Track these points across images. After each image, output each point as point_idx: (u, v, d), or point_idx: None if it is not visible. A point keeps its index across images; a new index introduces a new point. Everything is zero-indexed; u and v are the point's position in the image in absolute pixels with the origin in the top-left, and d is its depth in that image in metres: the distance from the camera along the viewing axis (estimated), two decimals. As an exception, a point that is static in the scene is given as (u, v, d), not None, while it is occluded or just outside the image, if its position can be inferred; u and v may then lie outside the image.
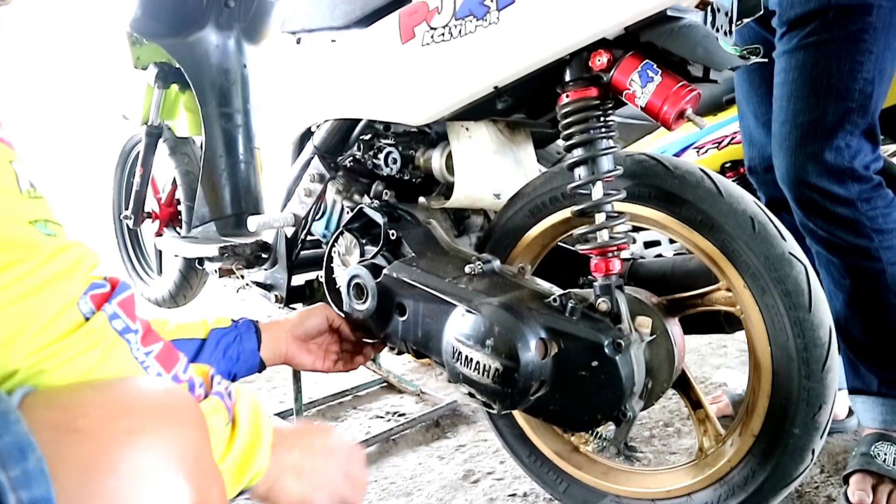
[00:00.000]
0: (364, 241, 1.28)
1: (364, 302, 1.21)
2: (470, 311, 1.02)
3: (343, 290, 1.26)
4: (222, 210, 2.08)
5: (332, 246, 1.35)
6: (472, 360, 0.99)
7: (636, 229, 2.10)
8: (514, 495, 1.39)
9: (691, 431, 1.61)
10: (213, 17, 2.02)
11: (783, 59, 1.30)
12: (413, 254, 1.21)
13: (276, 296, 1.58)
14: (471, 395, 1.02)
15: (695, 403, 1.16)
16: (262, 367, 1.17)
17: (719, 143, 2.11)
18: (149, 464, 0.50)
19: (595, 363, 0.92)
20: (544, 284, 1.07)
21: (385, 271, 1.17)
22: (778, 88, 1.32)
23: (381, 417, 1.83)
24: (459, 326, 1.02)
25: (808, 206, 1.28)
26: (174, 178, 2.35)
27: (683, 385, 1.16)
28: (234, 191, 2.10)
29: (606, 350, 0.91)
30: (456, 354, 1.02)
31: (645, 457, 1.55)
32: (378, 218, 1.26)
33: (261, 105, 2.18)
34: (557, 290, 1.03)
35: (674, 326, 1.07)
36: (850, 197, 1.24)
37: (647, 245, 2.13)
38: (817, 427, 0.96)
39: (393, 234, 1.23)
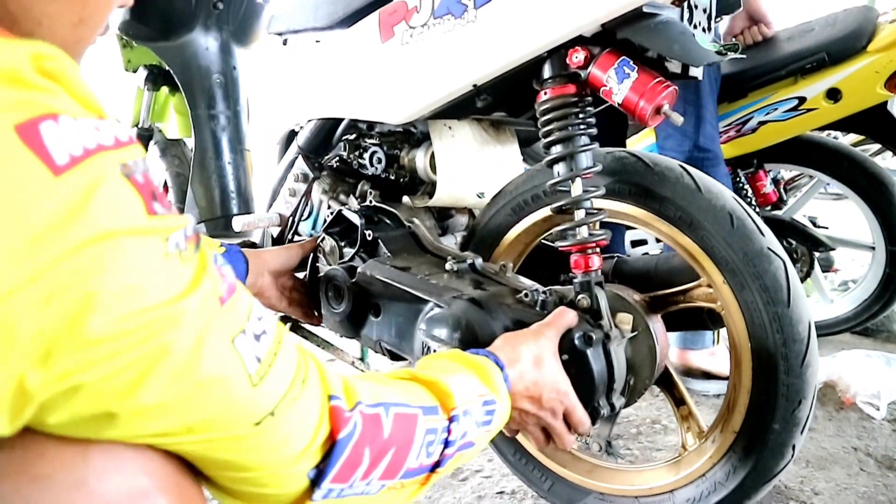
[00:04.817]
0: (343, 244, 1.28)
1: (341, 303, 1.21)
2: (439, 306, 1.01)
3: (321, 293, 1.26)
4: (213, 211, 2.08)
5: (318, 247, 1.35)
6: None
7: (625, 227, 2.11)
8: (502, 493, 1.39)
9: (678, 428, 1.61)
10: (201, 20, 2.01)
11: None
12: (389, 254, 1.21)
13: (263, 296, 1.58)
14: None
15: (678, 400, 1.16)
16: None
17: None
18: None
19: (565, 357, 0.91)
20: (526, 282, 1.07)
21: (359, 270, 1.17)
22: None
23: (370, 417, 1.82)
24: (429, 321, 1.02)
25: None
26: (165, 180, 2.35)
27: (667, 382, 1.16)
28: (224, 192, 2.09)
29: (576, 343, 0.91)
30: (426, 350, 1.02)
31: (631, 453, 1.55)
32: (355, 220, 1.26)
33: (251, 107, 2.18)
34: (539, 287, 1.03)
35: (656, 323, 1.07)
36: None
37: (634, 244, 2.13)
38: (797, 423, 0.96)
39: (369, 236, 1.23)
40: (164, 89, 2.23)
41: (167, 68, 2.08)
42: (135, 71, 2.22)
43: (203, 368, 0.49)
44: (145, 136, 2.28)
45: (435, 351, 0.99)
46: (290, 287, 1.36)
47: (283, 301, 1.34)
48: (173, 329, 0.46)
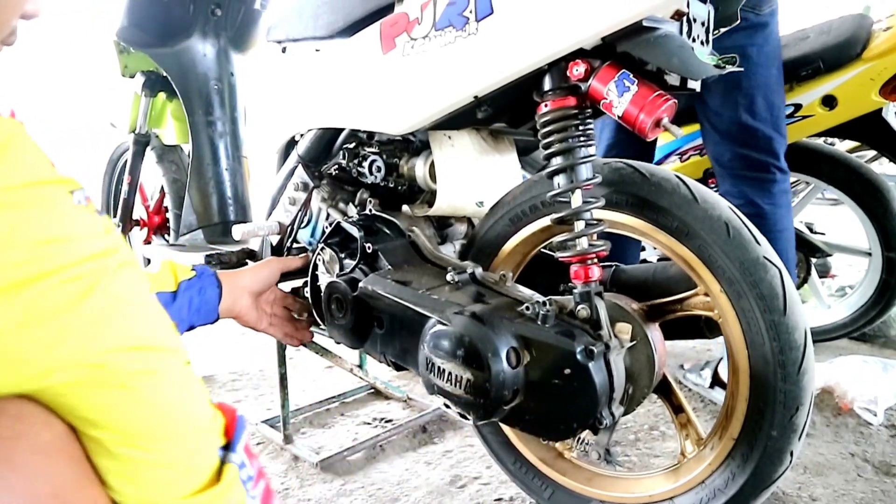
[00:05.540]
0: (343, 256, 1.29)
1: (344, 316, 1.22)
2: (441, 323, 1.02)
3: (323, 305, 1.27)
4: (210, 218, 2.09)
5: (317, 256, 1.36)
6: (444, 371, 0.99)
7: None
8: (500, 500, 1.40)
9: (675, 435, 1.62)
10: (199, 26, 2.02)
11: None
12: (390, 266, 1.21)
13: (262, 303, 1.59)
14: (447, 405, 1.02)
15: (677, 408, 1.17)
16: (216, 319, 1.20)
17: (701, 149, 2.12)
18: None
19: (568, 371, 0.92)
20: (526, 292, 1.08)
21: (360, 285, 1.18)
22: None
23: (369, 424, 1.83)
24: (432, 338, 1.03)
25: None
26: (162, 186, 2.35)
27: (665, 390, 1.17)
28: (221, 199, 2.10)
29: (579, 357, 0.91)
30: (430, 366, 1.02)
31: (629, 460, 1.56)
32: (354, 232, 1.26)
33: (248, 114, 2.19)
34: (539, 297, 1.04)
35: (654, 332, 1.08)
36: None
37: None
38: (795, 429, 0.97)
39: (369, 248, 1.23)
40: (162, 95, 2.23)
41: (164, 74, 2.08)
42: (132, 77, 2.22)
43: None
44: (142, 142, 2.28)
45: (440, 368, 1.00)
46: (271, 303, 1.35)
47: (264, 321, 1.32)
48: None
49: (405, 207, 1.31)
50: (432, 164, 1.24)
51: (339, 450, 1.62)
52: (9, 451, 0.50)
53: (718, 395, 1.83)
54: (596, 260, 1.00)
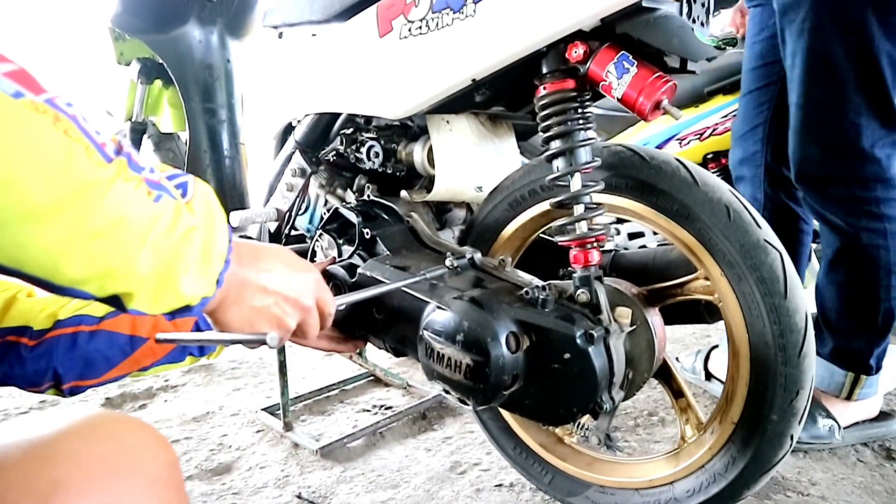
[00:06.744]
0: (341, 242, 1.28)
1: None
2: (440, 308, 1.01)
3: None
4: (208, 206, 2.08)
5: (316, 242, 1.35)
6: (444, 356, 0.98)
7: (619, 220, 2.11)
8: (500, 485, 1.40)
9: (675, 420, 1.62)
10: (195, 13, 2.00)
11: (788, 43, 1.36)
12: (388, 252, 1.21)
13: (260, 291, 1.58)
14: (446, 391, 1.02)
15: (677, 393, 1.16)
16: None
17: (701, 134, 2.11)
18: None
19: (567, 355, 0.91)
20: (525, 276, 1.07)
21: (359, 270, 1.17)
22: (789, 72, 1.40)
23: (368, 411, 1.83)
24: (431, 323, 1.02)
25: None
26: (159, 175, 2.34)
27: (665, 375, 1.17)
28: (219, 186, 2.09)
29: (578, 341, 0.91)
30: (429, 351, 1.01)
31: (629, 446, 1.56)
32: (353, 218, 1.25)
33: (246, 100, 2.18)
34: (538, 282, 1.03)
35: (654, 317, 1.07)
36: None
37: (631, 236, 2.13)
38: (795, 413, 0.97)
39: (367, 234, 1.22)
40: (158, 82, 2.21)
41: (160, 61, 2.07)
42: (127, 64, 2.21)
43: None
44: (139, 130, 2.27)
45: (439, 353, 0.99)
46: None
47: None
48: None
49: (403, 193, 1.31)
50: (430, 149, 1.23)
51: (339, 437, 1.62)
52: (127, 486, 0.52)
53: (715, 386, 1.82)
54: (595, 244, 1.00)
